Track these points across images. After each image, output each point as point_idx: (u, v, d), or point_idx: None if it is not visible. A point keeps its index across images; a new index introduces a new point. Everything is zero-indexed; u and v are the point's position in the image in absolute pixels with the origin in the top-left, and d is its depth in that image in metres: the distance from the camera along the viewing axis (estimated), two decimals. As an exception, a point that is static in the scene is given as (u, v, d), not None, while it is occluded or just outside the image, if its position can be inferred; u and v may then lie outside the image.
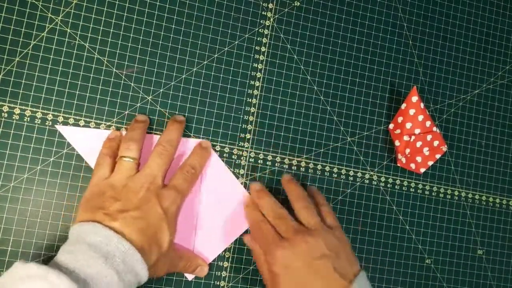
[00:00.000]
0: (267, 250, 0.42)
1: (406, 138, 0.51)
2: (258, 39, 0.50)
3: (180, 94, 0.48)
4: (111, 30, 0.46)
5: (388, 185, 0.53)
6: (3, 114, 0.43)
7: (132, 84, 0.46)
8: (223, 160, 0.48)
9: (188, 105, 0.48)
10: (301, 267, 0.40)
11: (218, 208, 0.47)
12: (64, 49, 0.45)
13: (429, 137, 0.51)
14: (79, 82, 0.45)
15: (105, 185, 0.40)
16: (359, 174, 0.52)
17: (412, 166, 0.52)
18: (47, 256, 0.44)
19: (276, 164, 0.50)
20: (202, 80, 0.48)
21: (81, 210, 0.40)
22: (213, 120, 0.48)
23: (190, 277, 0.46)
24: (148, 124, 0.45)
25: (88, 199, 0.40)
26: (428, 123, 0.51)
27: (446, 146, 0.52)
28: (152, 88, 0.47)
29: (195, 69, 0.48)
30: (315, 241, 0.41)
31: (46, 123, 0.44)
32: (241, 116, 0.49)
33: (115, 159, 0.42)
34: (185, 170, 0.43)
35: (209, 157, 0.47)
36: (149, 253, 0.38)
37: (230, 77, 0.49)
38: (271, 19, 0.50)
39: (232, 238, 0.47)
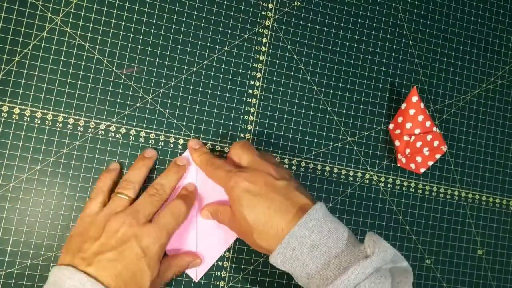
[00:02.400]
0: (226, 179, 0.41)
1: (406, 138, 0.51)
2: (258, 39, 0.50)
3: (180, 94, 0.48)
4: (111, 30, 0.46)
5: (388, 185, 0.53)
6: (2, 114, 0.43)
7: (132, 84, 0.46)
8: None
9: (188, 105, 0.48)
10: (262, 187, 0.39)
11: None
12: (64, 49, 0.45)
13: (429, 137, 0.51)
14: (79, 82, 0.45)
15: (89, 222, 0.40)
16: (359, 174, 0.52)
17: (412, 166, 0.52)
18: (46, 256, 0.44)
19: (276, 164, 0.50)
20: (202, 80, 0.48)
21: (63, 249, 0.40)
22: (213, 120, 0.48)
23: (196, 278, 0.46)
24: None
25: (71, 237, 0.40)
26: (428, 123, 0.51)
27: (446, 146, 0.52)
28: (152, 88, 0.47)
29: (195, 69, 0.48)
30: (276, 168, 0.41)
31: (46, 123, 0.44)
32: (241, 116, 0.49)
33: (110, 194, 0.42)
34: (174, 204, 0.42)
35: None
36: None
37: (230, 77, 0.49)
38: (271, 19, 0.50)
39: (233, 237, 0.47)
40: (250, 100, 0.49)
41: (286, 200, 0.39)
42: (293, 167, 0.50)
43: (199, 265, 0.46)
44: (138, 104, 0.47)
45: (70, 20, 0.45)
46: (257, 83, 0.50)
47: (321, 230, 0.37)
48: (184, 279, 0.46)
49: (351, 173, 0.52)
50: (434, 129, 0.51)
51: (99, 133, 0.45)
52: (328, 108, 0.51)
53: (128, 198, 0.42)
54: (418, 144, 0.51)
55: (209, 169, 0.44)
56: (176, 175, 0.44)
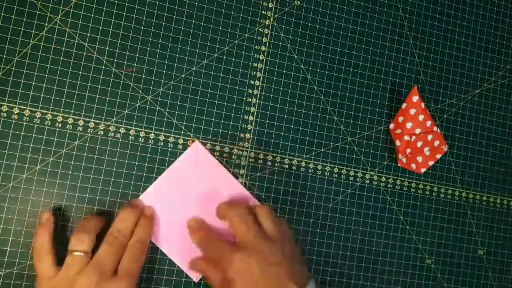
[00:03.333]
0: (221, 258, 0.41)
1: (406, 138, 0.50)
2: (258, 38, 0.50)
3: (180, 94, 0.47)
4: (111, 29, 0.46)
5: (389, 185, 0.52)
6: (2, 113, 0.43)
7: (131, 83, 0.46)
8: (223, 160, 0.48)
9: (188, 105, 0.48)
10: (256, 272, 0.39)
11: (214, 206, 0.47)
12: (63, 48, 0.45)
13: (429, 137, 0.51)
14: (78, 82, 0.45)
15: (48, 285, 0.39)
16: (359, 174, 0.52)
17: (413, 166, 0.52)
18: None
19: (276, 164, 0.49)
20: (202, 79, 0.48)
21: None
22: (213, 120, 0.48)
23: (196, 279, 0.46)
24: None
25: None
26: (428, 123, 0.51)
27: (446, 146, 0.51)
28: (151, 87, 0.47)
29: (194, 68, 0.48)
30: (271, 247, 0.41)
31: (45, 123, 0.44)
32: (241, 116, 0.49)
33: (53, 249, 0.40)
34: (132, 248, 0.41)
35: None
36: None
37: (230, 77, 0.49)
38: (271, 19, 0.50)
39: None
40: (250, 100, 0.49)
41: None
42: (293, 167, 0.50)
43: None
44: (138, 104, 0.46)
45: (70, 20, 0.45)
46: (257, 83, 0.49)
47: None
48: (184, 279, 0.46)
49: (351, 173, 0.51)
50: (435, 129, 0.51)
51: (99, 133, 0.45)
52: (328, 108, 0.51)
53: (85, 254, 0.39)
54: (419, 144, 0.51)
55: (208, 247, 0.43)
56: (132, 216, 0.43)
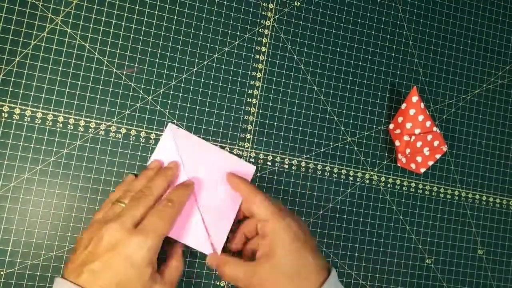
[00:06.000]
0: (278, 215, 0.41)
1: (406, 138, 0.51)
2: (258, 39, 0.50)
3: (180, 94, 0.48)
4: (111, 30, 0.46)
5: (388, 185, 0.53)
6: (3, 114, 0.43)
7: (132, 84, 0.46)
8: (223, 160, 0.48)
9: (188, 105, 0.48)
10: (304, 239, 0.40)
11: (215, 186, 0.46)
12: (65, 49, 0.45)
13: (429, 137, 0.51)
14: (79, 82, 0.45)
15: (86, 231, 0.40)
16: (359, 174, 0.52)
17: (412, 166, 0.52)
18: (47, 256, 0.44)
19: (276, 164, 0.50)
20: (202, 80, 0.48)
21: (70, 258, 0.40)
22: (213, 120, 0.48)
23: (219, 250, 0.45)
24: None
25: (75, 244, 0.40)
26: (428, 123, 0.51)
27: (446, 146, 0.52)
28: (152, 88, 0.47)
29: (195, 69, 0.48)
30: (301, 221, 0.43)
31: (46, 123, 0.44)
32: (241, 116, 0.49)
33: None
34: (161, 205, 0.41)
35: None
36: None
37: (230, 77, 0.49)
38: (271, 19, 0.50)
39: (238, 204, 0.46)
40: (250, 100, 0.49)
41: (316, 258, 0.40)
42: (293, 167, 0.50)
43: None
44: (139, 104, 0.47)
45: (71, 21, 0.45)
46: (257, 83, 0.50)
47: None
48: (184, 279, 0.46)
49: (351, 173, 0.52)
50: (434, 129, 0.51)
51: (100, 133, 0.45)
52: (328, 108, 0.51)
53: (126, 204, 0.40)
54: (418, 144, 0.51)
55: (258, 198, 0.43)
56: (164, 177, 0.43)
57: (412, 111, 0.50)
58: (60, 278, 0.36)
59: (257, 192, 0.43)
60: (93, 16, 0.46)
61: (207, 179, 0.46)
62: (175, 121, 0.47)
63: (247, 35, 0.50)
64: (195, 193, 0.46)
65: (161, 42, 0.47)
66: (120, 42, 0.46)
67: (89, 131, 0.45)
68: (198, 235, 0.45)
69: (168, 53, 0.47)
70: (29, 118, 0.44)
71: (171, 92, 0.47)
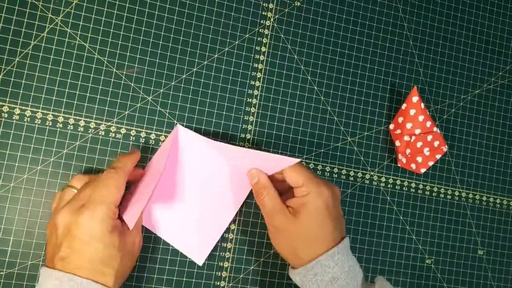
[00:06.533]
0: (314, 180, 0.42)
1: (406, 138, 0.51)
2: (258, 39, 0.50)
3: (180, 94, 0.48)
4: (111, 30, 0.46)
5: (388, 185, 0.53)
6: (3, 114, 0.43)
7: (132, 84, 0.46)
8: (223, 160, 0.48)
9: (188, 105, 0.48)
10: (334, 206, 0.42)
11: (215, 191, 0.47)
12: (64, 49, 0.45)
13: (429, 137, 0.51)
14: (79, 82, 0.45)
15: (47, 226, 0.41)
16: (359, 174, 0.52)
17: (413, 166, 0.52)
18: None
19: (276, 164, 0.50)
20: (202, 80, 0.48)
21: None
22: (213, 120, 0.48)
23: (200, 262, 0.46)
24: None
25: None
26: (428, 123, 0.51)
27: (446, 146, 0.52)
28: (152, 88, 0.47)
29: (195, 69, 0.48)
30: (335, 189, 0.43)
31: (46, 123, 0.44)
32: (241, 116, 0.49)
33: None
34: (104, 175, 0.40)
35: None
36: (104, 274, 0.38)
37: (230, 77, 0.49)
38: (271, 19, 0.50)
39: (231, 216, 0.47)
40: (250, 100, 0.49)
41: (338, 226, 0.42)
42: (293, 167, 0.50)
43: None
44: (139, 105, 0.47)
45: (71, 21, 0.45)
46: (257, 83, 0.50)
47: (343, 265, 0.41)
48: (184, 279, 0.46)
49: (351, 173, 0.52)
50: (435, 129, 0.51)
51: (100, 134, 0.45)
52: (328, 108, 0.51)
53: (77, 190, 0.41)
54: (419, 144, 0.51)
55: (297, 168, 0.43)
56: (128, 159, 0.42)
57: (412, 111, 0.50)
58: (45, 268, 0.37)
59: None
60: (93, 16, 0.46)
61: (208, 183, 0.46)
62: (175, 121, 0.47)
63: (247, 35, 0.50)
64: (193, 196, 0.46)
65: (161, 42, 0.47)
66: (120, 42, 0.46)
67: (89, 131, 0.45)
68: (187, 240, 0.46)
69: (168, 53, 0.47)
70: (29, 118, 0.44)
71: (171, 92, 0.47)
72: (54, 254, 0.37)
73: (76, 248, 0.37)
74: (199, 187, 0.46)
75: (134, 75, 0.47)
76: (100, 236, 0.38)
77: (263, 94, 0.50)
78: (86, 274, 0.37)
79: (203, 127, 0.48)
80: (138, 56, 0.47)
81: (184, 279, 0.46)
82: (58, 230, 0.38)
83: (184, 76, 0.48)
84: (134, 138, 0.46)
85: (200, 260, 0.46)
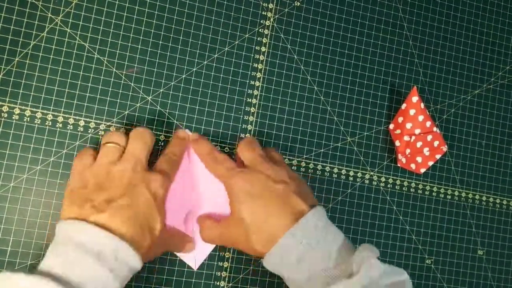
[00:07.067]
0: (226, 177, 0.41)
1: (406, 138, 0.51)
2: (258, 39, 0.50)
3: (180, 94, 0.48)
4: (111, 30, 0.46)
5: (388, 185, 0.53)
6: (3, 114, 0.43)
7: (132, 84, 0.46)
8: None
9: (188, 105, 0.48)
10: (260, 189, 0.40)
11: (212, 191, 0.47)
12: (64, 49, 0.45)
13: (429, 137, 0.51)
14: (79, 82, 0.45)
15: (88, 174, 0.39)
16: (359, 174, 0.52)
17: (412, 166, 0.52)
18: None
19: (276, 164, 0.49)
20: (202, 80, 0.48)
21: (66, 202, 0.38)
22: (213, 120, 0.48)
23: (195, 267, 0.46)
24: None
25: (72, 190, 0.39)
26: (428, 123, 0.51)
27: (446, 146, 0.52)
28: (152, 88, 0.47)
29: (195, 69, 0.48)
30: (277, 169, 0.41)
31: (46, 123, 0.44)
32: (241, 116, 0.49)
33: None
34: (167, 156, 0.42)
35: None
36: (142, 242, 0.37)
37: (230, 77, 0.49)
38: (271, 19, 0.50)
39: None
40: (250, 100, 0.49)
41: (283, 205, 0.39)
42: (293, 167, 0.50)
43: (191, 249, 0.45)
44: (138, 104, 0.47)
45: (70, 20, 0.45)
46: (257, 83, 0.50)
47: (310, 242, 0.37)
48: (184, 279, 0.46)
49: (351, 173, 0.52)
50: (434, 129, 0.51)
51: (99, 133, 0.45)
52: (328, 108, 0.51)
53: (117, 145, 0.40)
54: (419, 144, 0.51)
55: (209, 162, 0.44)
56: (178, 147, 0.44)
57: (412, 111, 0.50)
58: (76, 222, 0.35)
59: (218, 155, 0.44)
60: (93, 16, 0.46)
61: (207, 191, 0.46)
62: (175, 121, 0.47)
63: (247, 35, 0.50)
64: (193, 204, 0.46)
65: (161, 42, 0.47)
66: (120, 42, 0.46)
67: (89, 131, 0.45)
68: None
69: (168, 53, 0.47)
70: (28, 118, 0.44)
71: (171, 92, 0.47)
72: (110, 199, 0.36)
73: (138, 204, 0.37)
74: (197, 193, 0.46)
75: (134, 75, 0.47)
76: (160, 204, 0.39)
77: (263, 94, 0.50)
78: (131, 233, 0.36)
79: (203, 127, 0.48)
80: (138, 56, 0.47)
81: (184, 279, 0.46)
82: (122, 181, 0.38)
83: (184, 76, 0.48)
84: (134, 138, 0.46)
85: (195, 265, 0.46)
